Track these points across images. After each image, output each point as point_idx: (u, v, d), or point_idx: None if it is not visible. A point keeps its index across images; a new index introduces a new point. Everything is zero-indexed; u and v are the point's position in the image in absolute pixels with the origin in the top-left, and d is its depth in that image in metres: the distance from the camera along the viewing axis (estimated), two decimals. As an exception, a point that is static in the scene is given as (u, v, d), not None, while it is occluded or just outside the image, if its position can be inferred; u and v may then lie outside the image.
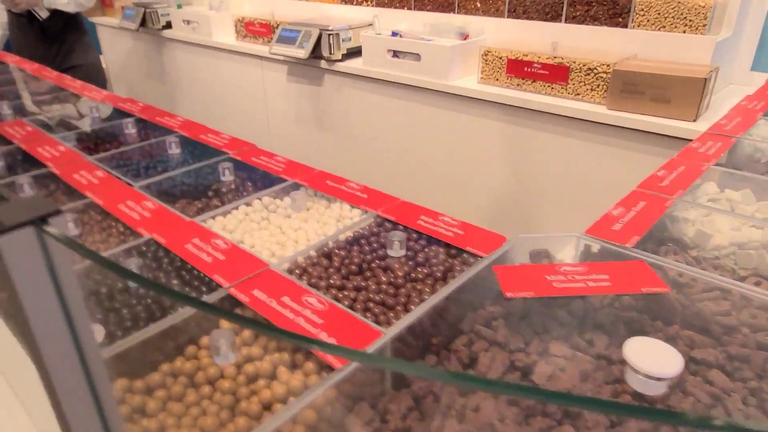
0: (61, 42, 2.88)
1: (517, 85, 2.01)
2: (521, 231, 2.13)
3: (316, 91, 2.70)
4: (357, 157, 2.64)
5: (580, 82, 1.85)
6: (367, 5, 2.70)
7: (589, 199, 1.92)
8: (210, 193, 1.01)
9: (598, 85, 1.81)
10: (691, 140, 1.60)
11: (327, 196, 1.01)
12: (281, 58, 2.70)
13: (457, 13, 2.34)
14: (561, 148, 1.93)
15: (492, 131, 2.09)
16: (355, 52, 2.57)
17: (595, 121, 1.81)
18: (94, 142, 1.19)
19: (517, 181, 2.10)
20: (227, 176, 1.04)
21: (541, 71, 1.92)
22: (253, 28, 2.97)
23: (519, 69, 1.98)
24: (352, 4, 2.77)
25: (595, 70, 1.80)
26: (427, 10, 2.44)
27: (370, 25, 2.61)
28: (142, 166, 1.08)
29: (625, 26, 1.91)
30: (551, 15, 2.08)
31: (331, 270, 0.78)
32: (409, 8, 2.52)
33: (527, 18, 2.15)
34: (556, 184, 1.99)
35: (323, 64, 2.55)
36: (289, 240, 0.89)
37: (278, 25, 2.83)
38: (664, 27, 1.83)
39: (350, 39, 2.53)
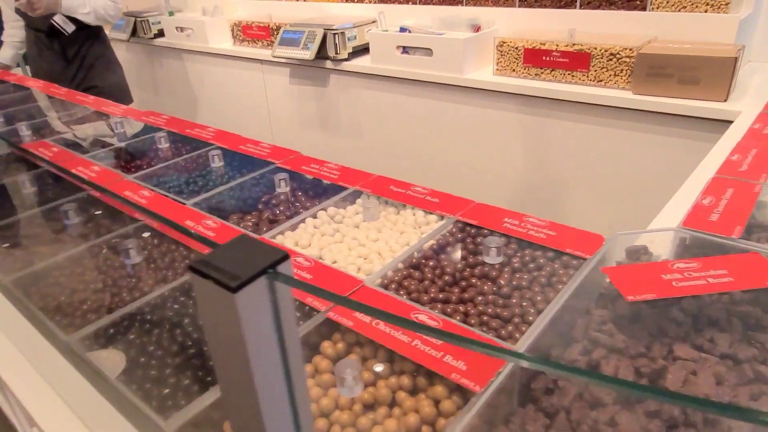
0: (82, 59, 2.57)
1: (535, 74, 1.97)
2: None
3: (322, 92, 2.64)
4: (368, 157, 2.59)
5: (602, 68, 1.81)
6: (369, 2, 2.65)
7: (617, 187, 1.89)
8: (260, 206, 0.95)
9: (622, 70, 1.78)
10: (724, 121, 1.58)
11: (394, 202, 0.96)
12: (283, 60, 2.64)
13: (466, 5, 2.30)
14: (584, 136, 1.90)
15: (510, 123, 2.05)
16: (360, 51, 2.52)
17: (620, 107, 1.77)
18: (129, 160, 1.12)
19: (539, 173, 2.06)
20: (282, 187, 0.97)
21: (561, 59, 1.89)
22: (251, 32, 2.90)
23: (537, 58, 1.94)
24: (353, 1, 2.72)
25: (617, 55, 1.77)
26: (434, 4, 2.39)
27: (373, 22, 2.55)
28: (186, 182, 1.02)
29: (644, 9, 1.88)
30: (565, 2, 2.04)
31: (426, 282, 0.73)
32: (414, 2, 2.47)
33: (540, 6, 2.11)
34: (582, 173, 1.95)
35: (328, 64, 2.49)
36: (371, 252, 0.84)
37: (278, 28, 2.76)
38: (684, 8, 1.80)
39: (355, 37, 2.47)
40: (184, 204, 0.92)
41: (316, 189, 1.00)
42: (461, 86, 2.11)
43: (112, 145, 1.21)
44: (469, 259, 0.78)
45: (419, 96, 2.25)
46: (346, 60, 2.45)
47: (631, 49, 1.74)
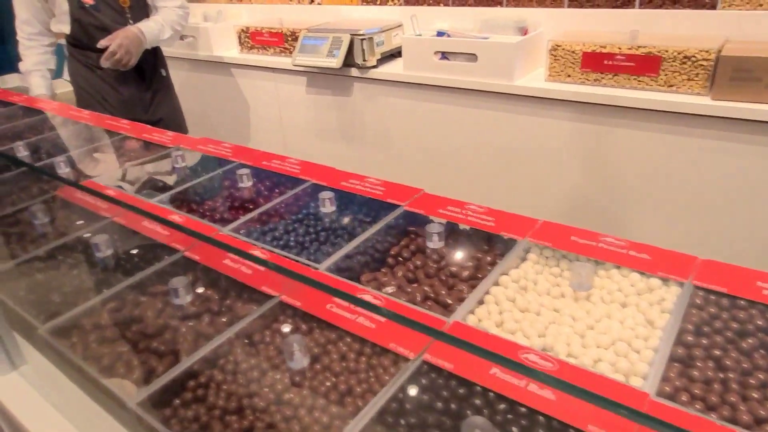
0: (144, 88, 2.12)
1: (595, 80, 1.82)
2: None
3: (344, 102, 2.45)
4: (398, 172, 2.41)
5: (675, 72, 1.67)
6: (393, 4, 2.47)
7: (693, 202, 1.75)
8: (391, 261, 0.76)
9: (697, 74, 1.64)
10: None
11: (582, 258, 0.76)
12: (302, 69, 2.44)
13: (506, 6, 2.14)
14: (653, 146, 1.75)
15: (566, 132, 1.90)
16: (387, 57, 2.34)
17: (696, 114, 1.64)
18: (209, 205, 0.92)
19: (601, 186, 1.91)
20: (436, 242, 0.77)
21: (626, 63, 1.74)
22: (261, 38, 2.69)
23: (597, 63, 1.79)
24: (375, 4, 2.54)
25: (692, 58, 1.63)
26: (470, 5, 2.23)
27: (399, 26, 2.38)
28: (304, 234, 0.80)
29: (713, 8, 1.75)
30: (621, 1, 1.90)
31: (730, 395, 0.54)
32: (446, 4, 2.30)
33: (592, 6, 1.96)
34: (649, 185, 1.81)
35: (354, 71, 2.31)
36: (619, 343, 0.64)
37: (292, 33, 2.57)
38: (761, 5, 1.67)
39: (383, 42, 2.29)
40: (317, 269, 0.71)
41: (473, 240, 0.79)
42: (510, 94, 1.95)
43: (181, 185, 1.00)
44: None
45: (460, 104, 2.08)
46: (374, 67, 2.27)
47: (708, 51, 1.60)
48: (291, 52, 2.61)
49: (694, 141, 1.68)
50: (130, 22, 1.92)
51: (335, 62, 2.24)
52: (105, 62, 1.87)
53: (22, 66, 2.00)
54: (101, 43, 1.83)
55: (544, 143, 1.96)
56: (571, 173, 1.95)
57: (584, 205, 1.96)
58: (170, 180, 1.05)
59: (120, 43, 1.83)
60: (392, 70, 2.24)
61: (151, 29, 1.95)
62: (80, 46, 1.96)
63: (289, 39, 2.59)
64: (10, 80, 6.43)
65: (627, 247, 0.73)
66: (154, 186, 1.06)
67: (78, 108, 1.49)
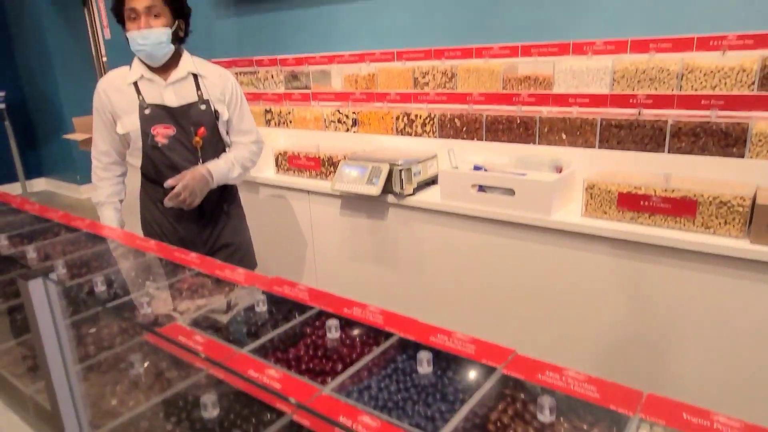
0: (203, 225, 2.03)
1: (631, 218, 1.89)
2: (649, 383, 1.92)
3: (378, 226, 2.52)
4: (433, 299, 2.42)
5: (711, 215, 1.75)
6: (428, 136, 2.63)
7: (733, 342, 1.74)
8: (491, 428, 0.76)
9: (734, 218, 1.71)
10: None
11: None
12: (339, 193, 2.55)
13: (539, 144, 2.28)
14: (691, 286, 1.78)
15: (603, 268, 1.94)
16: (423, 185, 2.45)
17: (736, 257, 1.69)
18: (292, 355, 0.93)
19: (638, 325, 1.91)
20: (547, 416, 0.75)
21: (662, 205, 1.82)
22: (298, 162, 2.84)
23: (633, 203, 1.87)
24: (410, 135, 2.70)
25: (728, 204, 1.71)
26: (502, 141, 2.38)
27: (434, 156, 2.51)
28: (406, 398, 0.79)
29: (741, 156, 1.86)
30: (651, 146, 2.03)
31: None
32: (480, 139, 2.45)
33: (622, 149, 2.09)
34: (689, 326, 1.82)
35: (390, 198, 2.40)
36: None
37: (329, 159, 2.71)
38: (787, 157, 1.79)
39: (420, 173, 2.41)
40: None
41: (573, 410, 0.79)
42: (547, 228, 2.01)
43: (264, 334, 1.01)
44: None
45: (496, 235, 2.15)
46: (410, 195, 2.37)
47: (743, 198, 1.69)
48: (327, 176, 2.73)
49: (734, 282, 1.71)
50: (201, 161, 1.94)
51: (375, 190, 2.34)
52: (168, 202, 1.88)
53: (95, 197, 2.02)
54: (168, 183, 1.86)
55: (582, 278, 1.99)
56: (610, 311, 1.96)
57: (624, 343, 1.95)
58: (250, 326, 1.07)
59: (186, 184, 1.84)
60: (428, 198, 2.34)
61: (220, 169, 1.95)
62: (149, 179, 2.00)
63: (326, 164, 2.73)
64: (37, 185, 6.69)
65: (742, 429, 0.73)
66: (235, 332, 1.07)
67: (145, 238, 1.54)
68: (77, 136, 4.23)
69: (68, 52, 5.86)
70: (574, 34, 2.35)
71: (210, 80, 1.98)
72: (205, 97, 1.95)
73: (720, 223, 1.74)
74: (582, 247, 1.97)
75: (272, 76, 3.41)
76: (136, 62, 1.93)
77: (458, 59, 2.66)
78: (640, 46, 2.18)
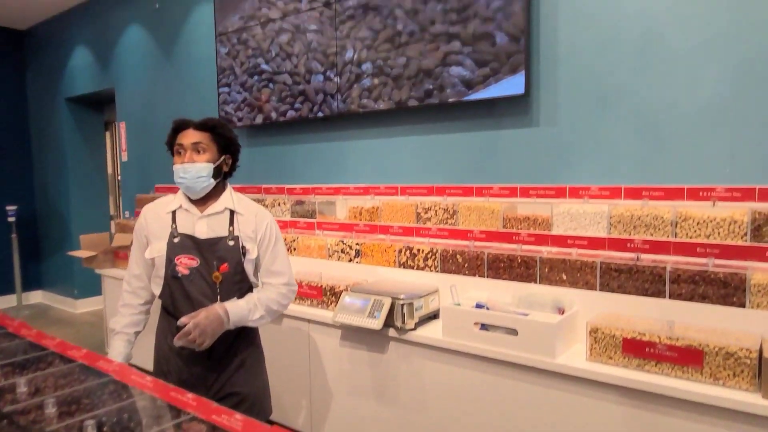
0: (209, 368, 1.90)
1: (637, 365, 1.86)
2: None
3: (378, 359, 2.46)
4: (432, 439, 2.30)
5: (718, 366, 1.72)
6: (430, 270, 2.66)
7: (758, 506, 1.63)
8: None
9: (742, 371, 1.68)
10: None
11: None
12: (339, 325, 2.52)
13: (540, 283, 2.31)
14: (707, 440, 1.70)
15: (609, 416, 1.87)
16: (424, 320, 2.44)
17: (748, 413, 1.63)
18: None
19: (655, 479, 1.80)
20: None
21: (668, 353, 1.80)
22: (300, 290, 2.84)
23: (639, 349, 1.85)
24: (411, 268, 2.73)
25: (735, 355, 1.69)
26: (504, 279, 2.40)
27: (435, 291, 2.53)
28: None
29: (742, 305, 1.88)
30: (651, 291, 2.05)
31: None
32: (482, 275, 2.48)
33: (623, 292, 2.11)
34: (709, 484, 1.71)
35: (391, 331, 2.37)
36: None
37: (331, 289, 2.72)
38: (788, 308, 1.80)
39: (422, 307, 2.41)
40: None
41: None
42: (551, 371, 1.97)
43: None
44: None
45: (500, 375, 2.09)
46: (412, 330, 2.35)
47: (749, 350, 1.67)
48: (328, 305, 2.72)
49: (751, 439, 1.64)
50: (219, 298, 1.85)
51: (376, 323, 2.32)
52: (178, 341, 1.76)
53: (113, 323, 1.95)
54: (181, 321, 1.75)
55: (588, 425, 1.91)
56: (621, 461, 1.85)
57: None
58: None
59: (197, 323, 1.73)
60: (429, 333, 2.31)
61: (240, 310, 1.84)
62: (167, 310, 1.94)
63: (328, 293, 2.73)
64: (33, 297, 6.63)
65: None
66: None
67: (142, 374, 1.49)
68: (81, 253, 4.28)
69: (85, 171, 6.11)
70: (570, 179, 2.48)
71: (245, 217, 1.94)
72: (236, 233, 1.90)
73: (729, 375, 1.70)
74: (588, 393, 1.91)
75: (279, 204, 3.54)
76: (179, 192, 1.95)
77: (459, 197, 2.78)
78: (634, 193, 2.29)
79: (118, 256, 4.17)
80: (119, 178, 6.16)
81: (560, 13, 2.47)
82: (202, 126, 1.89)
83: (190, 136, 1.88)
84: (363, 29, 3.05)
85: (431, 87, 2.79)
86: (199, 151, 1.87)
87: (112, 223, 6.26)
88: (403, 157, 3.09)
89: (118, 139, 5.47)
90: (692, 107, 2.18)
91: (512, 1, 2.49)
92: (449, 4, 2.69)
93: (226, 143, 1.94)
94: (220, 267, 1.86)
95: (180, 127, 1.92)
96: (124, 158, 5.21)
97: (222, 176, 1.95)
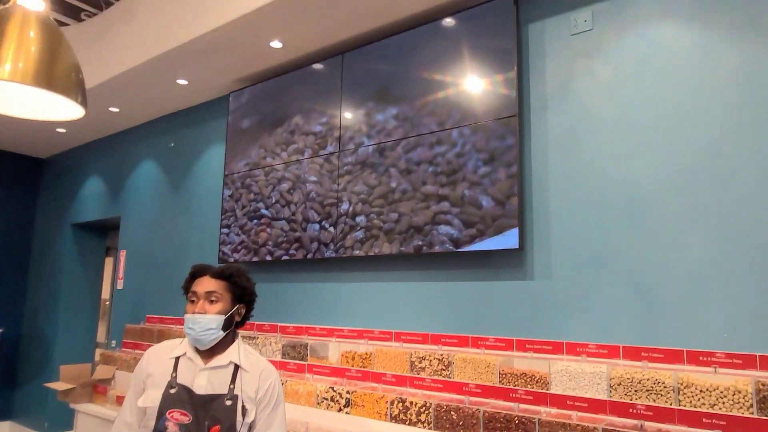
0: None
1: None
2: None
3: None
4: None
5: None
6: (423, 426, 2.52)
7: None
8: None
9: None
10: None
11: None
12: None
13: None
14: None
15: None
16: (416, 485, 2.25)
17: None
18: None
19: None
20: None
21: None
22: (284, 442, 2.65)
23: None
24: (404, 423, 2.59)
25: None
26: (501, 442, 2.26)
27: (428, 450, 2.37)
28: None
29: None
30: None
31: None
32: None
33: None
34: None
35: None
36: None
37: (317, 442, 2.54)
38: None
39: (413, 470, 2.24)
40: None
41: None
42: None
43: None
44: None
45: None
46: (401, 497, 2.16)
47: None
48: (312, 462, 2.53)
49: None
50: None
51: (363, 489, 2.14)
52: None
53: None
54: None
55: None
56: None
57: None
58: None
59: None
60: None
61: None
62: None
63: (313, 448, 2.56)
64: (1, 428, 6.19)
65: None
66: None
67: None
68: (58, 386, 4.08)
69: (78, 296, 6.05)
70: (567, 335, 2.44)
71: (250, 375, 1.83)
72: (236, 391, 1.79)
73: None
74: None
75: (271, 343, 3.45)
76: (186, 338, 1.86)
77: (455, 347, 2.71)
78: (632, 354, 2.24)
79: (98, 390, 3.97)
80: (107, 303, 6.09)
81: (551, 174, 2.61)
82: (219, 274, 1.85)
83: (205, 284, 1.83)
84: (359, 184, 3.21)
85: (421, 243, 2.86)
86: (212, 301, 1.81)
87: (97, 352, 6.06)
88: (400, 302, 3.08)
89: (117, 266, 5.49)
90: (683, 270, 2.21)
91: (498, 168, 2.65)
92: (440, 167, 2.86)
93: (241, 293, 1.88)
94: (211, 428, 1.73)
95: (197, 273, 1.88)
96: (120, 286, 5.18)
97: (233, 325, 1.88)
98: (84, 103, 1.77)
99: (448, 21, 2.95)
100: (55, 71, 1.67)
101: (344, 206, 3.26)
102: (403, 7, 3.05)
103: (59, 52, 1.70)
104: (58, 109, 1.93)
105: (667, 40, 2.37)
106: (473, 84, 2.81)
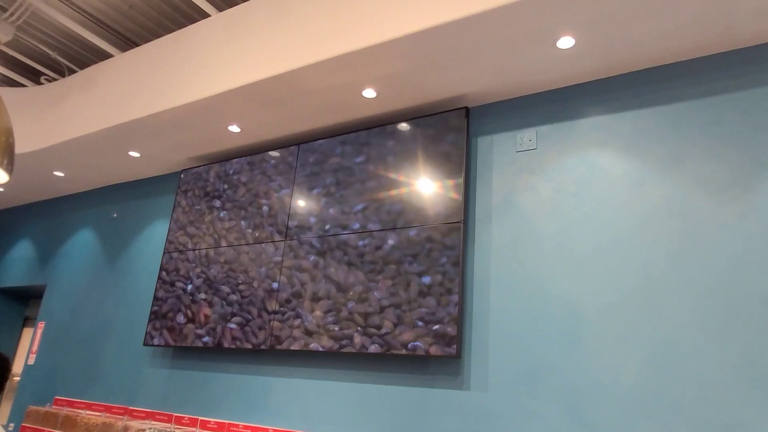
0: None
1: None
2: None
3: None
4: None
5: None
6: None
7: None
8: None
9: None
10: None
11: None
12: None
13: None
14: None
15: None
16: None
17: None
18: None
19: None
20: None
21: None
22: None
23: None
24: None
25: None
26: None
27: None
28: None
29: None
30: None
31: None
32: None
33: None
34: None
35: None
36: None
37: None
38: None
39: None
40: None
41: None
42: None
43: None
44: None
45: None
46: None
47: None
48: None
49: None
50: None
51: None
52: None
53: None
54: None
55: None
56: None
57: None
58: None
59: None
60: None
61: None
62: None
63: None
64: None
65: None
66: None
67: None
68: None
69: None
70: (500, 453, 2.33)
71: None
72: None
73: None
74: None
75: (187, 440, 3.15)
76: None
77: (384, 458, 2.54)
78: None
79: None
80: (16, 378, 5.53)
81: (492, 284, 2.62)
82: None
83: None
84: (303, 274, 3.14)
85: (360, 341, 2.78)
86: None
87: (-8, 435, 5.40)
88: (332, 404, 2.91)
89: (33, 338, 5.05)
90: (616, 393, 2.20)
91: (441, 271, 2.66)
92: (383, 265, 2.84)
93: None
94: None
95: None
96: (31, 361, 4.74)
97: None
98: (10, 168, 1.69)
99: (403, 125, 3.07)
100: (-15, 134, 1.60)
101: (283, 295, 3.15)
102: (360, 109, 3.16)
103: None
104: (-17, 171, 1.83)
105: (605, 166, 2.52)
106: (425, 185, 2.87)
